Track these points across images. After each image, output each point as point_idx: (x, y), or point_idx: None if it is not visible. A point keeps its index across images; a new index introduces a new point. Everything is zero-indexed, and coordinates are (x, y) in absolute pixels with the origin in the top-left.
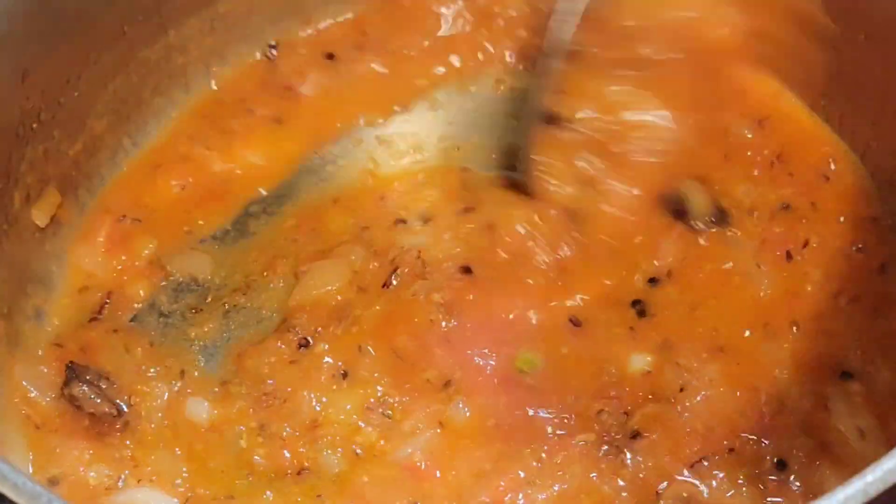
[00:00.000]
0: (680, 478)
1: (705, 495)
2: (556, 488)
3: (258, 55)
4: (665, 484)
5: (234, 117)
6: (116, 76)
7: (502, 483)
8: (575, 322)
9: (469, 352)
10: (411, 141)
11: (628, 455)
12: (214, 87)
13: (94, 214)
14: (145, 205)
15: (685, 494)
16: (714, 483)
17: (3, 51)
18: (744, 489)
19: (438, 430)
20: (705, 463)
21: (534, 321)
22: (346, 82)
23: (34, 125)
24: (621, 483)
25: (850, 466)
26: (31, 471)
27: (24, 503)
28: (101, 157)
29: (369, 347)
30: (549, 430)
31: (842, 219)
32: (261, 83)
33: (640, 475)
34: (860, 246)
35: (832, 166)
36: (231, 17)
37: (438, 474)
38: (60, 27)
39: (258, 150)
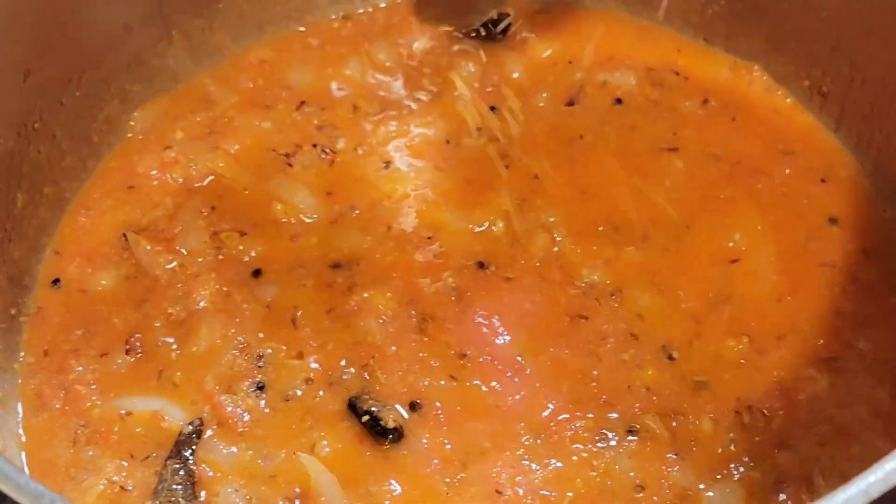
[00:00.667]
0: (675, 470)
1: (697, 486)
2: (550, 468)
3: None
4: (663, 470)
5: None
6: (119, 75)
7: (499, 461)
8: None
9: (477, 333)
10: None
11: (626, 442)
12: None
13: None
14: None
15: (683, 483)
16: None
17: (5, 50)
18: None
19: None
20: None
21: (540, 315)
22: None
23: (36, 125)
24: (617, 469)
25: None
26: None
27: (27, 503)
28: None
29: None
30: (549, 413)
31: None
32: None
33: (637, 463)
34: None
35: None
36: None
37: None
38: (62, 26)
39: None
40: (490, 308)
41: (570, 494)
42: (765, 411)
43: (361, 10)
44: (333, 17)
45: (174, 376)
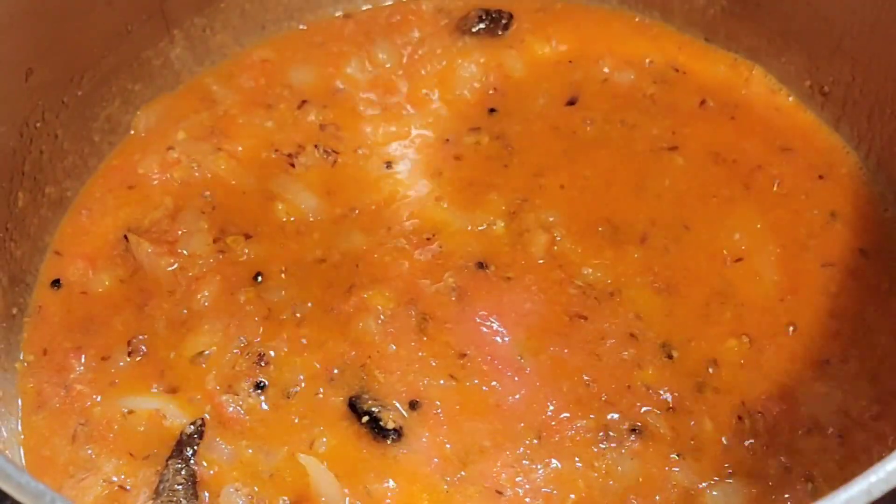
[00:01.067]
0: (677, 470)
1: (699, 486)
2: (551, 468)
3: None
4: (665, 470)
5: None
6: (121, 75)
7: (499, 461)
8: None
9: (477, 332)
10: None
11: (628, 442)
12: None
13: None
14: None
15: (685, 483)
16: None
17: (6, 49)
18: (742, 487)
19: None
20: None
21: (540, 314)
22: None
23: (38, 124)
24: (619, 469)
25: None
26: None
27: (28, 503)
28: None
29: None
30: (550, 413)
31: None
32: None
33: (639, 463)
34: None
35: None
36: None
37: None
38: (64, 26)
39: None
40: (490, 308)
41: (572, 496)
42: (765, 411)
43: (363, 9)
44: (336, 15)
45: (175, 376)
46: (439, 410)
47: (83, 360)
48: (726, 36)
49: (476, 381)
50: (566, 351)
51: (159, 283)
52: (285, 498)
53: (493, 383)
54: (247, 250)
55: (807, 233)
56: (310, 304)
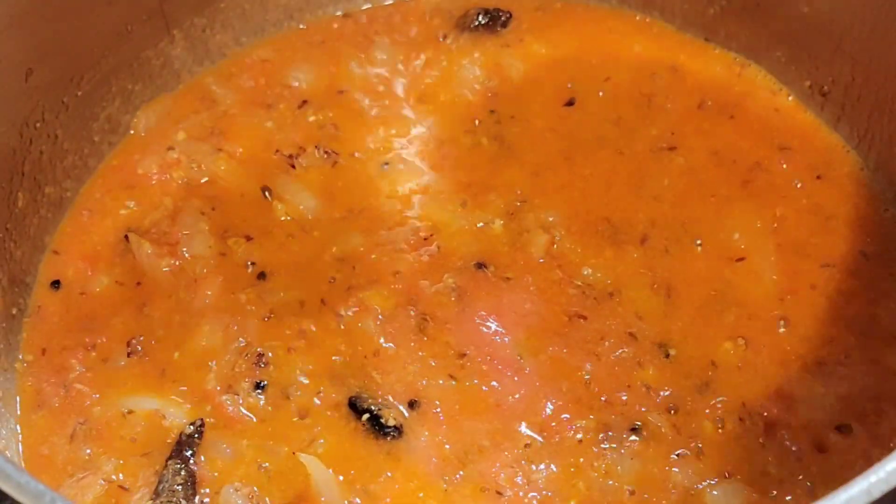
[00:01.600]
0: (677, 470)
1: (699, 486)
2: (551, 468)
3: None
4: (666, 470)
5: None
6: (120, 75)
7: (498, 461)
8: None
9: (476, 332)
10: None
11: (628, 442)
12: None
13: None
14: None
15: (685, 483)
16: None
17: (7, 49)
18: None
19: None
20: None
21: (539, 314)
22: None
23: (38, 124)
24: (619, 469)
25: None
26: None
27: (28, 502)
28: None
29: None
30: (550, 413)
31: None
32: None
33: (639, 463)
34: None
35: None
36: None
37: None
38: (64, 26)
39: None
40: (489, 308)
41: (572, 499)
42: (764, 411)
43: (363, 9)
44: (336, 15)
45: (175, 376)
46: (439, 410)
47: (83, 359)
48: (726, 36)
49: (476, 381)
50: (566, 351)
51: (159, 283)
52: (285, 497)
53: (493, 383)
54: (248, 253)
55: (807, 233)
56: (309, 304)
